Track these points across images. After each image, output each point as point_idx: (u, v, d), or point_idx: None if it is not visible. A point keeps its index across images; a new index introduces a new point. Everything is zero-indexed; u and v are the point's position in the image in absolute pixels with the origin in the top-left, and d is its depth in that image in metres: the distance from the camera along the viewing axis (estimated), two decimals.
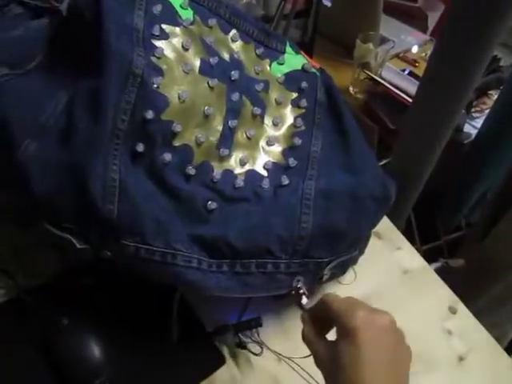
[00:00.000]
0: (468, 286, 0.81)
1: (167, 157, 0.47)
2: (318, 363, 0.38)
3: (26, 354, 0.51)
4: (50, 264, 0.57)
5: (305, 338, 0.40)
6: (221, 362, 0.54)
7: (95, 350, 0.51)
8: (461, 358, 0.59)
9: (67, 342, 0.51)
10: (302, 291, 0.45)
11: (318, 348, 0.38)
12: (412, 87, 0.95)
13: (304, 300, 0.44)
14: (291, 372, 0.54)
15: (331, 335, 0.39)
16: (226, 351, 0.56)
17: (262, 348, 0.55)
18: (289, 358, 0.54)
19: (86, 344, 0.51)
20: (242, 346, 0.54)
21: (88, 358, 0.50)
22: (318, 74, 0.58)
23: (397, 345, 0.37)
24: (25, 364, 0.51)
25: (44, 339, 0.52)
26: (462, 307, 0.63)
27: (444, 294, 0.65)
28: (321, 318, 0.40)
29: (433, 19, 1.36)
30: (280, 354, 0.55)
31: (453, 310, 0.63)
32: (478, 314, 0.63)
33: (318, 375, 0.38)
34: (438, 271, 0.68)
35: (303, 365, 0.53)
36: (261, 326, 0.55)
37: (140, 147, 0.46)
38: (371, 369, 0.34)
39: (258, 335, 0.55)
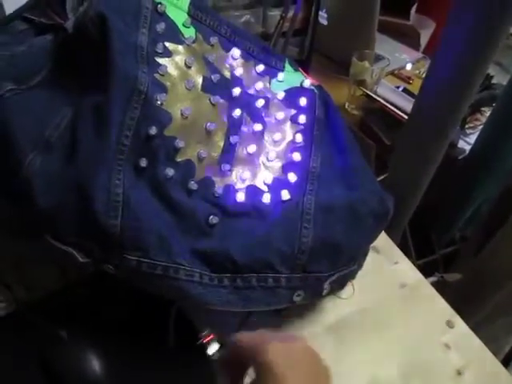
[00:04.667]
0: (464, 300, 0.81)
1: (170, 172, 0.47)
2: None
3: (25, 368, 0.51)
4: (50, 277, 0.57)
5: None
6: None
7: (95, 364, 0.50)
8: (459, 372, 0.59)
9: (66, 355, 0.51)
10: (208, 339, 0.44)
11: None
12: (406, 104, 0.96)
13: (212, 348, 0.43)
14: None
15: None
16: None
17: None
18: None
19: (85, 357, 0.51)
20: None
21: (88, 372, 0.50)
22: (316, 90, 0.60)
23: (315, 367, 0.37)
24: (24, 378, 0.51)
25: (43, 353, 0.51)
26: (459, 321, 0.64)
27: (441, 307, 0.65)
28: (235, 362, 0.39)
29: (425, 37, 1.38)
30: None
31: (450, 324, 0.63)
32: (475, 328, 0.64)
33: None
34: (434, 285, 0.69)
35: None
36: None
37: (143, 162, 0.47)
38: None
39: None
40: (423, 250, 1.09)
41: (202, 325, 0.56)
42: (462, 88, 0.66)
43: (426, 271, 0.75)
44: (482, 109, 1.01)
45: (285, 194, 0.52)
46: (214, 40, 0.54)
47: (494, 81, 1.02)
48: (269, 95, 0.57)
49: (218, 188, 0.50)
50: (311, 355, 0.37)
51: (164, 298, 0.51)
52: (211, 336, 0.44)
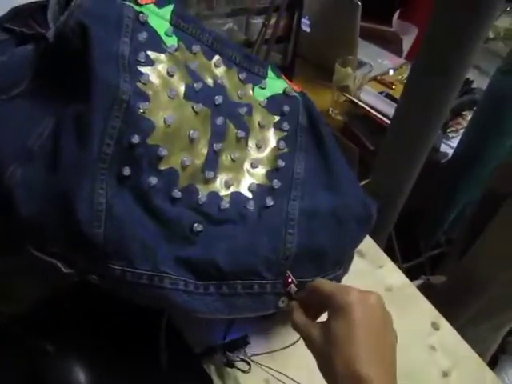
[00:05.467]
0: (450, 303, 0.82)
1: (153, 180, 0.47)
2: (309, 344, 0.39)
3: (11, 382, 0.50)
4: (34, 289, 0.57)
5: (294, 323, 0.41)
6: None
7: (81, 377, 0.50)
8: (445, 374, 0.60)
9: (53, 368, 0.51)
10: (290, 280, 0.45)
11: (309, 329, 0.39)
12: (389, 109, 0.98)
13: (293, 288, 0.45)
14: None
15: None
16: (213, 372, 0.56)
17: (249, 365, 0.55)
18: (278, 372, 0.54)
19: (72, 371, 0.50)
20: (230, 364, 0.55)
21: None
22: (299, 97, 0.60)
23: (386, 324, 0.38)
24: None
25: (30, 367, 0.51)
26: (444, 323, 0.65)
27: (427, 310, 0.66)
28: (309, 305, 0.41)
29: (407, 43, 1.40)
30: (269, 367, 0.55)
31: (436, 326, 0.64)
32: (461, 330, 0.64)
33: None
34: (420, 288, 0.70)
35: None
36: (248, 344, 0.55)
37: (126, 171, 0.46)
38: (364, 344, 0.35)
39: (246, 353, 0.56)
40: (409, 253, 1.10)
41: (189, 334, 0.57)
42: (442, 92, 0.67)
43: (412, 274, 0.76)
44: (463, 113, 1.03)
45: (269, 201, 0.53)
46: (196, 48, 0.55)
47: (473, 85, 1.04)
48: (252, 102, 0.57)
49: (202, 196, 0.50)
50: (384, 311, 0.38)
51: (151, 308, 0.51)
52: (291, 278, 0.45)
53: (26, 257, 0.47)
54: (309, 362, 0.39)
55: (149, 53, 0.50)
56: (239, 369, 0.55)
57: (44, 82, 0.50)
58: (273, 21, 0.82)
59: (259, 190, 0.54)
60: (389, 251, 0.76)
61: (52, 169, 0.45)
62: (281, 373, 0.54)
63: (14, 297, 0.57)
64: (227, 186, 0.52)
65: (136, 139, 0.46)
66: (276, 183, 0.54)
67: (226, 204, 0.51)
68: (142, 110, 0.47)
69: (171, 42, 0.53)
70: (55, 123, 0.47)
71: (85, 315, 0.55)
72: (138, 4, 0.51)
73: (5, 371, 0.52)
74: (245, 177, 0.54)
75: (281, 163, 0.55)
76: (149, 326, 0.55)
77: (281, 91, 0.59)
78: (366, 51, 1.19)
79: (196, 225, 0.49)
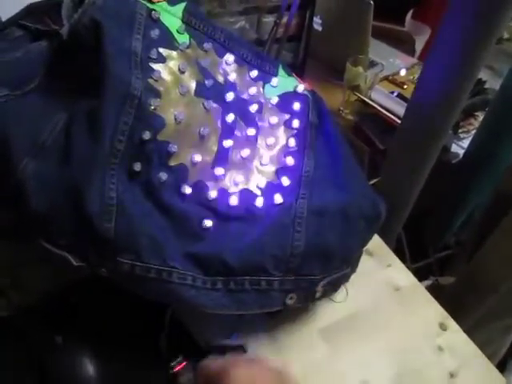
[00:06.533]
0: (458, 304, 0.82)
1: (163, 176, 0.48)
2: None
3: (20, 373, 0.51)
4: (44, 282, 0.58)
5: None
6: None
7: (90, 368, 0.51)
8: (452, 375, 0.59)
9: (62, 360, 0.51)
10: (180, 367, 0.45)
11: None
12: (400, 109, 0.97)
13: (185, 377, 0.44)
14: None
15: None
16: None
17: None
18: None
19: (80, 362, 0.51)
20: None
21: (83, 377, 0.51)
22: (309, 96, 0.60)
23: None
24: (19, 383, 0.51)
25: (38, 358, 0.52)
26: (452, 324, 0.64)
27: (434, 310, 0.66)
28: None
29: (420, 43, 1.40)
30: None
31: (443, 327, 0.64)
32: (469, 331, 0.64)
33: None
34: (428, 289, 0.69)
35: None
36: (245, 352, 0.56)
37: (137, 166, 0.47)
38: None
39: None
40: (418, 254, 1.09)
41: (197, 330, 0.57)
42: (453, 92, 0.67)
43: (420, 275, 0.76)
44: (475, 113, 1.02)
45: (278, 198, 0.53)
46: (207, 46, 0.55)
47: (486, 85, 1.03)
48: (262, 100, 0.57)
49: (212, 192, 0.51)
50: (273, 380, 0.37)
51: (158, 304, 0.51)
52: (183, 364, 0.45)
53: (37, 249, 0.47)
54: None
55: (161, 50, 0.51)
56: None
57: (57, 78, 0.51)
58: (284, 19, 0.83)
59: (268, 188, 0.54)
60: (398, 251, 0.76)
61: (64, 163, 0.46)
62: None
63: (26, 288, 0.57)
64: (236, 183, 0.53)
65: (147, 135, 0.47)
66: (285, 181, 0.54)
67: (234, 201, 0.51)
68: (153, 107, 0.47)
69: (183, 39, 0.53)
70: (68, 118, 0.48)
71: (93, 309, 0.56)
72: (150, 1, 0.51)
73: (12, 363, 0.52)
74: (254, 174, 0.55)
75: (290, 161, 0.56)
76: (157, 320, 0.55)
77: (291, 89, 0.59)
78: (378, 51, 1.18)
79: (205, 221, 0.49)
